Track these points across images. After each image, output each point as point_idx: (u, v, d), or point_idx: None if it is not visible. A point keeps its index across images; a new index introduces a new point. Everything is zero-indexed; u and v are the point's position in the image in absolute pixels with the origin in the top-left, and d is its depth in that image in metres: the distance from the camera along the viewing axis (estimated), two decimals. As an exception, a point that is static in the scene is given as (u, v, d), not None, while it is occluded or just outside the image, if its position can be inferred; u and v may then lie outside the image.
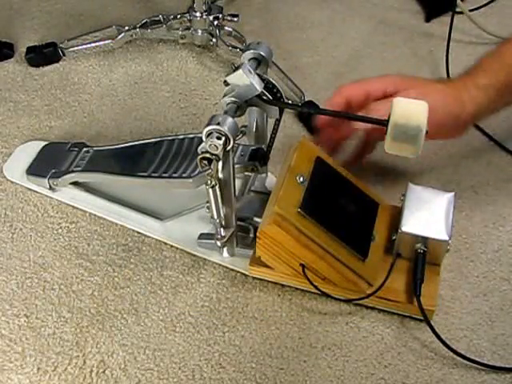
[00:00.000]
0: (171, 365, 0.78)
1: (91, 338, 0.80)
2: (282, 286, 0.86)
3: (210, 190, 0.75)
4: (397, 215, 0.84)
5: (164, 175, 0.87)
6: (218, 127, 0.70)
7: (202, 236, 0.88)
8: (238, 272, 0.87)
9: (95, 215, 0.93)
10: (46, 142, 1.02)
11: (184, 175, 0.85)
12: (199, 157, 0.71)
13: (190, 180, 0.84)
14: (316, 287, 0.81)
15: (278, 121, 0.81)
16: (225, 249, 0.86)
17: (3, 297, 0.84)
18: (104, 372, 0.78)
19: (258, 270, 0.84)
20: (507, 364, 0.78)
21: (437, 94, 0.81)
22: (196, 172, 0.84)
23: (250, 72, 0.73)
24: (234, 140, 0.71)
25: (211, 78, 1.16)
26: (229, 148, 0.71)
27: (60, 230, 0.92)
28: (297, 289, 0.85)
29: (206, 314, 0.83)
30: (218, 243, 0.83)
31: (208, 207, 0.80)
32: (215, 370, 0.78)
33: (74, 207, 0.94)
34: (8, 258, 0.88)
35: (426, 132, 0.67)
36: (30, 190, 0.96)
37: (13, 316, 0.82)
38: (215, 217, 0.79)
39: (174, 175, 0.86)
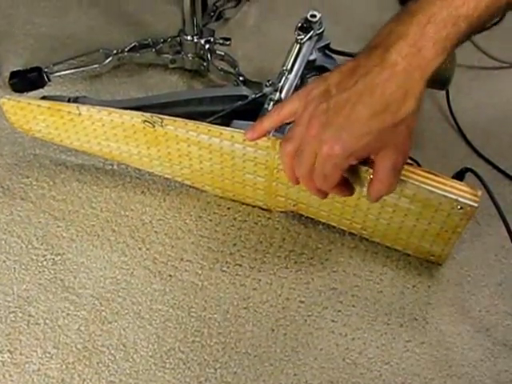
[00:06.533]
0: (161, 403, 0.79)
1: (77, 374, 0.81)
2: (276, 320, 0.86)
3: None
4: None
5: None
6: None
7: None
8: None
9: (81, 247, 0.94)
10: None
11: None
12: (299, 24, 0.96)
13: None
14: None
15: None
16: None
17: (-15, 332, 0.85)
18: (90, 411, 0.78)
19: None
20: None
21: None
22: None
23: None
24: (320, 32, 0.99)
25: (202, 103, 1.17)
26: (318, 31, 0.97)
27: (45, 262, 0.92)
28: (290, 324, 0.86)
29: (196, 349, 0.84)
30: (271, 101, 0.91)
31: None
32: (207, 409, 0.79)
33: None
34: (-10, 292, 0.89)
35: None
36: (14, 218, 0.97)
37: (-5, 352, 0.83)
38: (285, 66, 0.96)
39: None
